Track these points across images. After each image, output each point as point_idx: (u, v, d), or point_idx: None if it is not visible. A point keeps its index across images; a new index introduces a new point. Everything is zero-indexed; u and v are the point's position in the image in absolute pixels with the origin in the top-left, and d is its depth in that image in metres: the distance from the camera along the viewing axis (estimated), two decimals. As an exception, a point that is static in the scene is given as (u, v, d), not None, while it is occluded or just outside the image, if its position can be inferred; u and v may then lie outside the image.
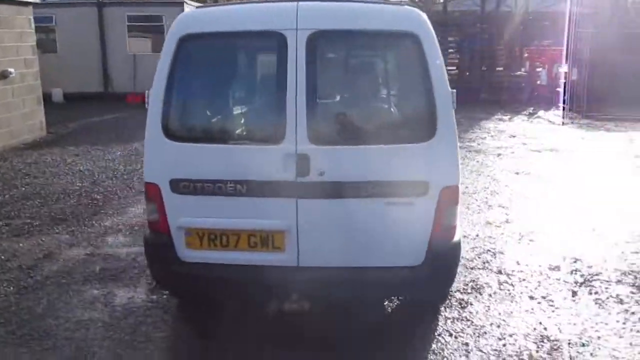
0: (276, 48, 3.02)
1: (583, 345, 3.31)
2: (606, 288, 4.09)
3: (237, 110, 3.33)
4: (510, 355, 3.21)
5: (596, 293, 4.01)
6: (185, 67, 3.08)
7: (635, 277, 4.27)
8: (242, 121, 3.28)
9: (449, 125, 3.01)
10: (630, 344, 3.34)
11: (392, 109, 3.18)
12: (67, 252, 4.83)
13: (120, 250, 4.88)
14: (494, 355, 3.22)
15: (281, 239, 3.14)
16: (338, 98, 3.15)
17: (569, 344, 3.33)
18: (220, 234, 3.18)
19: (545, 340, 3.37)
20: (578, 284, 4.15)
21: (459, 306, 3.80)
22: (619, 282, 4.20)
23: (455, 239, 3.18)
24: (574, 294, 4.00)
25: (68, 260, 4.66)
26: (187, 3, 16.17)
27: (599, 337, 3.40)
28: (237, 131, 3.22)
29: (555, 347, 3.29)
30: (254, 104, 3.40)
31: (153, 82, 3.13)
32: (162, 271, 3.35)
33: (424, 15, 3.03)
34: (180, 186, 3.13)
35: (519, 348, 3.29)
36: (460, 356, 3.21)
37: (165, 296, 3.96)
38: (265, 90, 3.27)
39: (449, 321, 3.61)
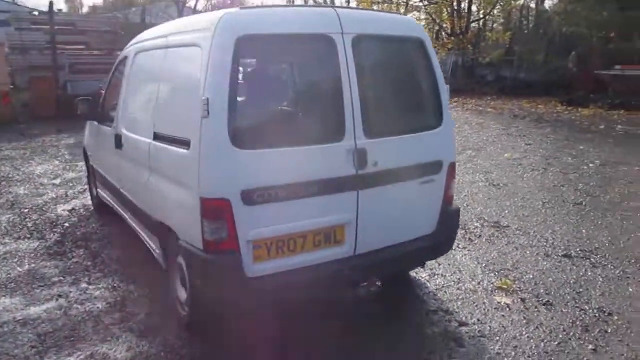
0: (327, 50, 3.18)
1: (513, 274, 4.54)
2: (481, 231, 5.48)
3: (300, 111, 3.28)
4: (487, 287, 4.17)
5: (480, 236, 5.35)
6: (244, 69, 2.92)
7: (487, 221, 5.81)
8: (306, 122, 3.26)
9: (448, 113, 3.74)
10: (529, 260, 4.73)
11: (415, 102, 3.69)
12: (-46, 332, 3.52)
13: (31, 310, 3.82)
14: (481, 289, 4.12)
15: (342, 231, 3.31)
16: (379, 94, 3.46)
17: (503, 269, 4.50)
18: (288, 239, 3.14)
19: (494, 271, 4.46)
20: (466, 233, 5.41)
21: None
22: (483, 226, 5.66)
23: (454, 204, 3.92)
24: (471, 240, 5.24)
25: (-29, 339, 3.44)
26: None
27: (517, 262, 4.69)
28: (304, 132, 3.19)
29: (504, 273, 4.41)
30: (313, 104, 3.38)
31: (207, 87, 2.85)
32: (233, 293, 3.05)
33: None
34: (253, 196, 2.96)
35: (488, 282, 4.28)
36: (461, 294, 4.00)
37: (172, 339, 3.47)
38: (323, 91, 3.31)
39: (431, 278, 4.34)
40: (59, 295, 4.07)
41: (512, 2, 28.46)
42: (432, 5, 27.30)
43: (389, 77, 3.54)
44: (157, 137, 3.58)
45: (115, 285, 4.24)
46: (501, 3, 27.40)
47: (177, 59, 3.42)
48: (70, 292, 4.13)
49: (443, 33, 27.91)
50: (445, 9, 26.97)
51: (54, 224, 5.76)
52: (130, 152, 4.13)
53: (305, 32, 3.16)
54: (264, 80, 3.15)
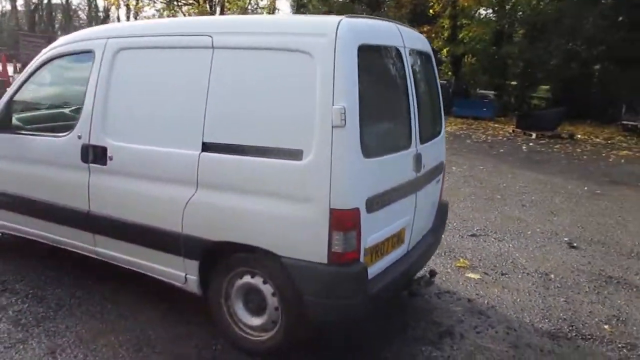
0: (399, 62, 3.40)
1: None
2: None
3: (393, 119, 3.33)
4: (454, 268, 4.89)
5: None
6: (363, 78, 2.94)
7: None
8: (396, 129, 3.35)
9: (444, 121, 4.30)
10: (453, 241, 5.66)
11: (433, 109, 4.05)
12: None
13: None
14: (451, 270, 4.82)
15: (404, 231, 3.57)
16: (422, 103, 3.72)
17: (445, 252, 5.31)
18: (382, 243, 3.27)
19: (441, 254, 5.20)
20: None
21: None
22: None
23: (444, 199, 4.49)
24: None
25: None
26: None
27: (448, 244, 5.53)
28: (396, 139, 3.32)
29: (451, 255, 5.21)
30: (398, 112, 3.45)
31: (339, 96, 2.80)
32: (358, 301, 3.01)
33: None
34: (373, 204, 3.04)
35: (448, 263, 5.00)
36: (441, 277, 4.63)
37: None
38: (401, 99, 3.40)
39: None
40: (52, 353, 3.20)
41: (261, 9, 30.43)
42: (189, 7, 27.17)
43: (423, 87, 3.89)
44: (211, 148, 3.18)
45: (112, 327, 3.52)
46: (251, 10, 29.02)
47: (252, 62, 3.10)
48: (62, 345, 3.28)
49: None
50: (200, 11, 27.08)
51: None
52: (137, 166, 3.48)
53: (390, 45, 3.32)
54: (370, 89, 3.14)
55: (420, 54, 3.82)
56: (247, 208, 3.09)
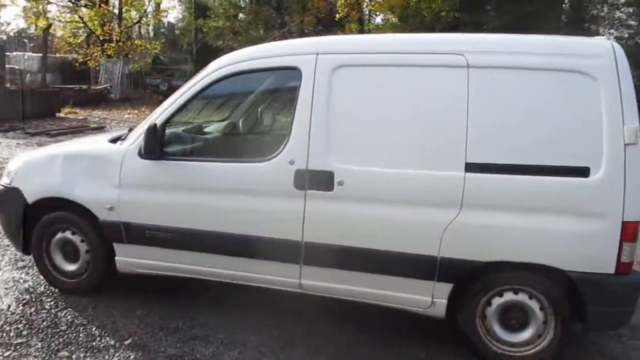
0: None
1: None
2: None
3: None
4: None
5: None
6: None
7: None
8: None
9: None
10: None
11: None
12: None
13: None
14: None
15: None
16: None
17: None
18: None
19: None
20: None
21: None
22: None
23: None
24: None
25: None
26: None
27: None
28: None
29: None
30: None
31: (630, 116, 3.00)
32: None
33: None
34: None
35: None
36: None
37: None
38: None
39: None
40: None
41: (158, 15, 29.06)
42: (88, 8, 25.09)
43: None
44: (477, 168, 3.17)
45: None
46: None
47: (518, 82, 3.15)
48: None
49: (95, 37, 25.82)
50: (101, 13, 24.96)
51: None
52: (378, 191, 3.31)
53: None
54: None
55: None
56: (526, 226, 3.14)
